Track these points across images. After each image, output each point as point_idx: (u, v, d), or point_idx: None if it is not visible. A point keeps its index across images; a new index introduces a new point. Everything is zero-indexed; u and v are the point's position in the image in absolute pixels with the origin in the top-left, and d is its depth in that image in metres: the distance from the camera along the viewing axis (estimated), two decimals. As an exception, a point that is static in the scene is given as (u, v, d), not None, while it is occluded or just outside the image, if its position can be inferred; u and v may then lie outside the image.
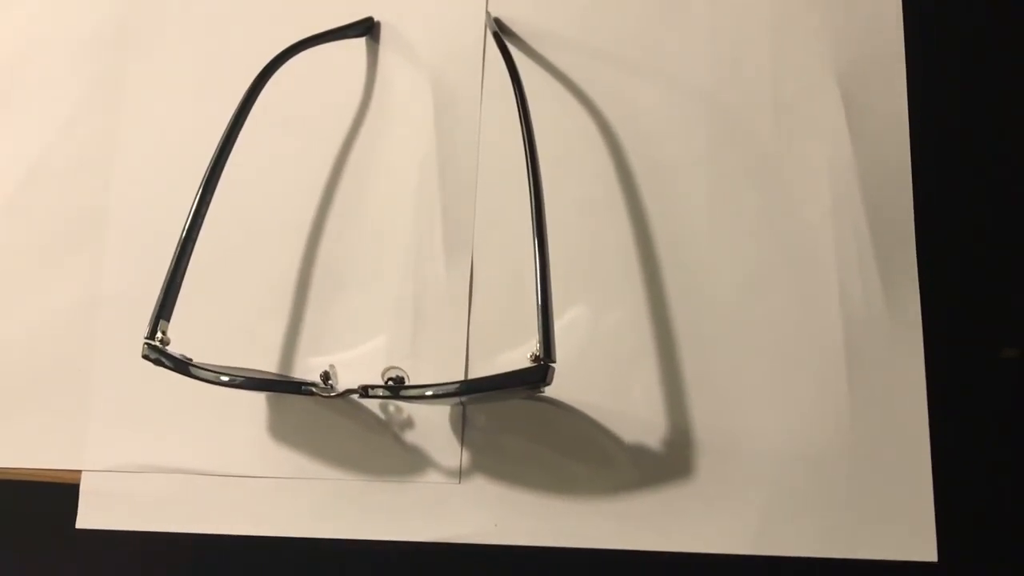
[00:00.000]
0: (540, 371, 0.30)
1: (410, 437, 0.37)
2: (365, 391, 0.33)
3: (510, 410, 0.36)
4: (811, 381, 0.33)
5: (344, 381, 0.36)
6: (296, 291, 0.40)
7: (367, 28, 0.43)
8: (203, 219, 0.37)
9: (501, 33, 0.39)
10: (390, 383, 0.33)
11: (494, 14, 0.40)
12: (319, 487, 0.38)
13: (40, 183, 0.46)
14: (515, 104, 0.38)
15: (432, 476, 0.36)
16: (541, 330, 0.30)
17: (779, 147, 0.35)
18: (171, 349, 0.35)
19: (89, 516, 0.42)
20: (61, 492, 0.42)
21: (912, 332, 0.32)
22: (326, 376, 0.35)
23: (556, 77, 0.39)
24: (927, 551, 0.30)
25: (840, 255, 0.33)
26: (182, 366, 0.35)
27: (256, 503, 0.39)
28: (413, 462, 0.37)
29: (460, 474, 0.36)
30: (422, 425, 0.37)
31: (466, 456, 0.36)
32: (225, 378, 0.35)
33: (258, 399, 0.40)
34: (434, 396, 0.32)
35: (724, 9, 0.37)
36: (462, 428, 0.37)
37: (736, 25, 0.36)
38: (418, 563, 0.37)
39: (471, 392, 0.32)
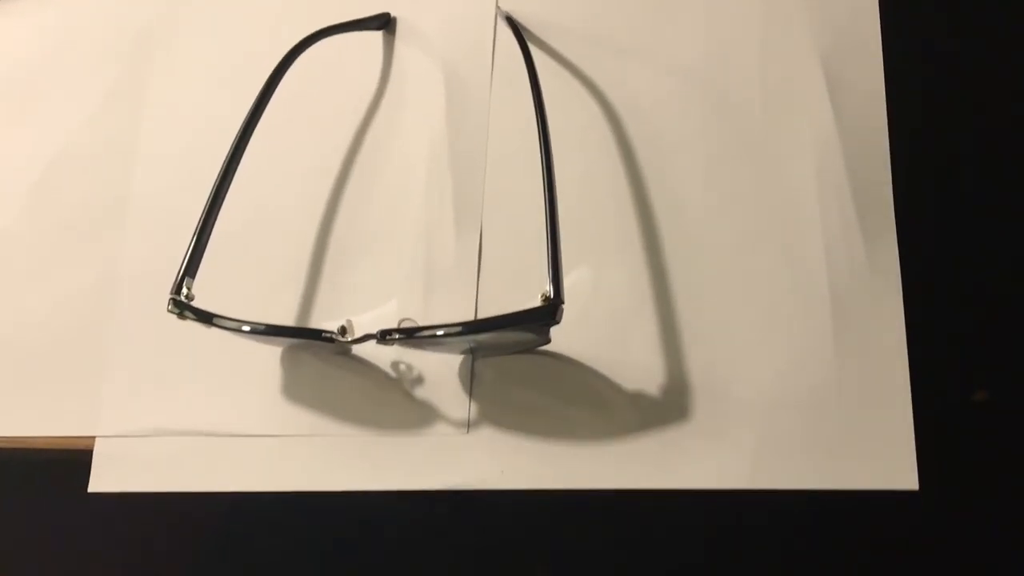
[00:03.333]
0: (551, 308, 0.32)
1: (420, 393, 0.39)
2: (383, 335, 0.35)
3: (517, 364, 0.38)
4: (798, 330, 0.35)
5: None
6: (312, 261, 0.43)
7: (384, 22, 0.46)
8: (227, 189, 0.40)
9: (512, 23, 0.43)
10: (404, 324, 0.35)
11: (504, 9, 0.44)
12: (331, 443, 0.40)
13: (66, 170, 0.49)
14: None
15: (441, 428, 0.38)
16: (551, 271, 0.33)
17: (767, 123, 0.38)
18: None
19: (102, 479, 0.43)
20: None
21: (891, 283, 0.34)
22: (343, 329, 0.37)
23: (562, 64, 0.42)
24: (909, 480, 0.32)
25: (824, 217, 0.36)
26: (206, 317, 0.37)
27: (269, 460, 0.40)
28: (423, 416, 0.39)
29: (468, 425, 0.38)
30: (432, 381, 0.39)
31: (474, 408, 0.38)
32: (247, 327, 0.37)
33: (270, 362, 0.41)
34: (446, 336, 0.34)
35: (717, 1, 0.40)
36: (470, 383, 0.39)
37: (728, 15, 0.40)
38: (424, 516, 0.39)
39: (483, 330, 0.34)
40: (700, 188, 0.38)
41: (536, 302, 0.33)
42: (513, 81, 0.43)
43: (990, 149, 0.35)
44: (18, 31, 0.53)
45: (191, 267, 0.38)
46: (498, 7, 0.44)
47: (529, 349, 0.37)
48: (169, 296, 0.38)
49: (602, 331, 0.37)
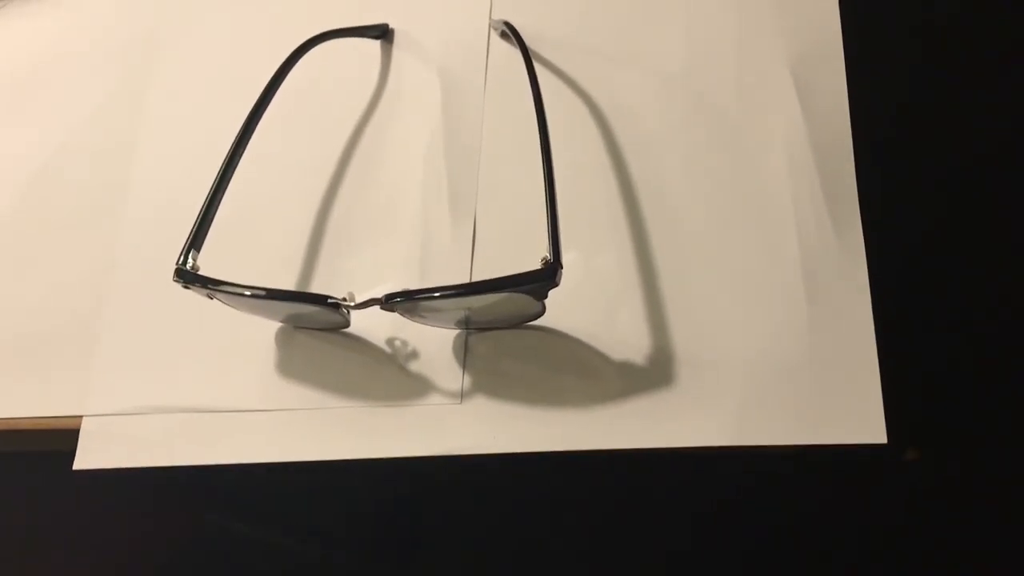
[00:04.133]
0: (551, 270, 0.35)
1: (415, 367, 0.41)
2: (388, 298, 0.36)
3: (509, 339, 0.40)
4: (774, 304, 0.38)
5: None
6: (310, 246, 0.44)
7: (383, 32, 0.49)
8: (232, 174, 0.42)
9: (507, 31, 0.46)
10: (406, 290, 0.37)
11: (497, 19, 0.47)
12: (328, 415, 0.41)
13: (67, 163, 0.50)
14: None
15: (435, 399, 0.40)
16: (551, 236, 0.35)
17: (742, 121, 0.41)
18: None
19: (87, 456, 0.43)
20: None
21: (857, 261, 0.37)
22: (345, 298, 0.38)
23: (551, 69, 0.45)
24: (877, 434, 0.34)
25: (795, 203, 0.39)
26: (212, 283, 0.38)
27: (262, 434, 0.41)
28: (417, 388, 0.40)
29: (461, 395, 0.40)
30: (426, 356, 0.41)
31: (467, 380, 0.40)
32: (248, 292, 0.38)
33: (265, 341, 0.43)
34: (445, 297, 0.36)
35: (696, 11, 0.44)
36: (464, 356, 0.40)
37: (706, 24, 0.44)
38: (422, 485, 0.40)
39: (483, 292, 0.36)
40: (681, 179, 0.41)
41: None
42: (506, 84, 0.46)
43: (944, 139, 0.39)
44: (25, 32, 0.55)
45: (197, 240, 0.40)
46: (491, 18, 0.48)
47: (524, 322, 0.39)
48: (175, 266, 0.39)
49: (592, 308, 0.39)
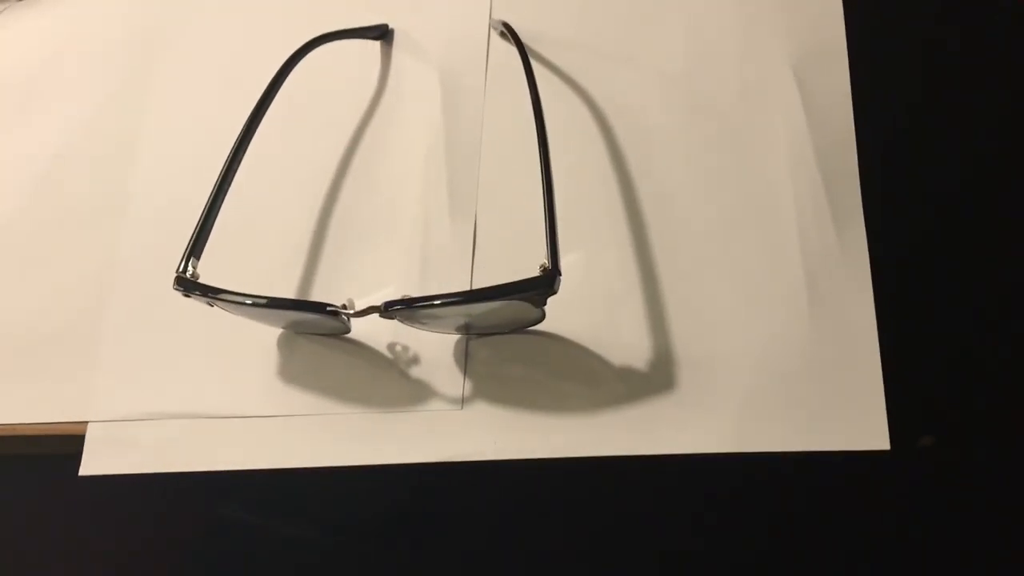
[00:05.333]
0: (549, 278, 0.34)
1: (415, 372, 0.41)
2: (387, 306, 0.36)
3: (510, 344, 0.40)
4: (775, 307, 0.37)
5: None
6: (311, 250, 0.44)
7: (383, 32, 0.49)
8: (232, 179, 0.42)
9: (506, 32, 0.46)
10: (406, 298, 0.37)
11: (497, 19, 0.47)
12: (329, 421, 0.41)
13: (69, 164, 0.51)
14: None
15: (436, 404, 0.40)
16: (549, 243, 0.35)
17: (744, 121, 0.41)
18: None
19: (93, 463, 0.43)
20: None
21: (860, 262, 0.37)
22: (344, 305, 0.38)
23: (552, 70, 0.45)
24: (880, 441, 0.34)
25: (798, 204, 0.39)
26: (212, 291, 0.38)
27: (264, 440, 0.41)
28: (418, 394, 0.40)
29: (462, 401, 0.39)
30: (427, 361, 0.41)
31: (468, 385, 0.40)
32: (249, 301, 0.38)
33: (266, 347, 0.43)
34: (445, 305, 0.36)
35: (696, 11, 0.44)
36: (465, 361, 0.40)
37: (706, 24, 0.43)
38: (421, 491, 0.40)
39: (483, 300, 0.36)
40: (682, 180, 0.41)
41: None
42: (506, 85, 0.45)
43: (947, 138, 0.38)
44: (27, 33, 0.55)
45: (197, 248, 0.40)
46: (491, 18, 0.47)
47: (524, 327, 0.39)
48: (175, 274, 0.39)
49: (592, 312, 0.39)
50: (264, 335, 0.43)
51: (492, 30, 0.47)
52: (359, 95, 0.48)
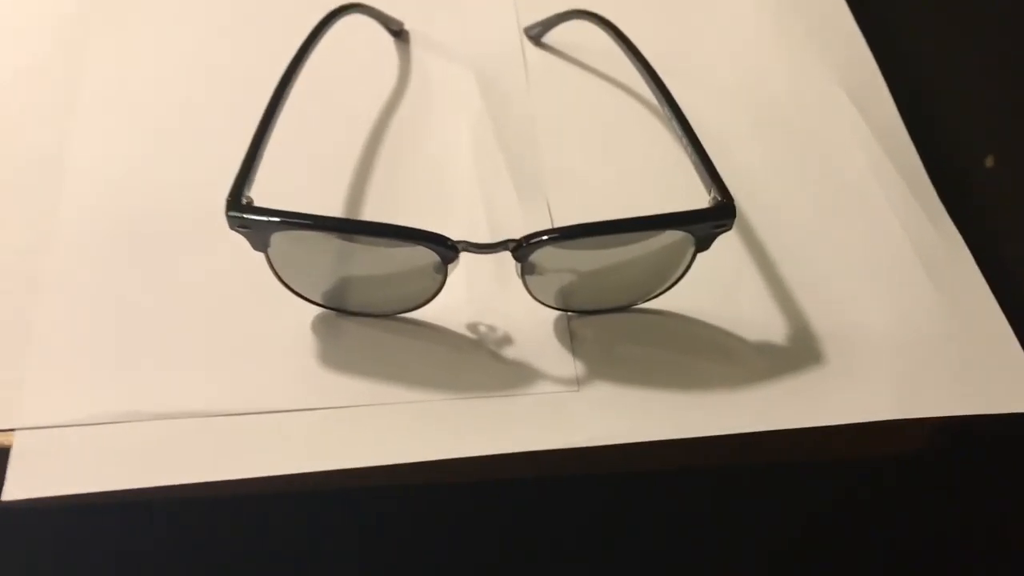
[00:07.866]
0: (729, 207, 0.31)
1: (510, 353, 0.33)
2: (526, 240, 0.30)
3: (617, 323, 0.35)
4: (894, 283, 0.36)
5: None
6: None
7: (398, 30, 0.44)
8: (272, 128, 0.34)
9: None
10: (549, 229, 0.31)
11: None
12: (417, 410, 0.32)
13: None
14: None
15: (545, 387, 0.32)
16: (711, 175, 0.32)
17: (805, 131, 0.42)
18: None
19: (21, 483, 0.29)
20: None
21: (958, 245, 0.38)
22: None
23: (599, 76, 0.44)
24: (1024, 403, 0.33)
25: (888, 198, 0.39)
26: (285, 217, 0.29)
27: (306, 438, 0.31)
28: (518, 376, 0.33)
29: (578, 382, 0.33)
30: (524, 342, 0.34)
31: (580, 366, 0.33)
32: (335, 226, 0.30)
33: (289, 332, 0.33)
34: (602, 232, 0.30)
35: (727, 26, 0.46)
36: (570, 341, 0.34)
37: (763, 48, 0.45)
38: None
39: (650, 227, 0.30)
40: (764, 178, 0.40)
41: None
42: (546, 81, 0.43)
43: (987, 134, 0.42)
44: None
45: (250, 175, 0.31)
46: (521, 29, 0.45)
47: (658, 290, 0.34)
48: (226, 198, 0.30)
49: (707, 292, 0.35)
50: (289, 312, 0.33)
51: (524, 34, 0.45)
52: (379, 88, 0.43)
